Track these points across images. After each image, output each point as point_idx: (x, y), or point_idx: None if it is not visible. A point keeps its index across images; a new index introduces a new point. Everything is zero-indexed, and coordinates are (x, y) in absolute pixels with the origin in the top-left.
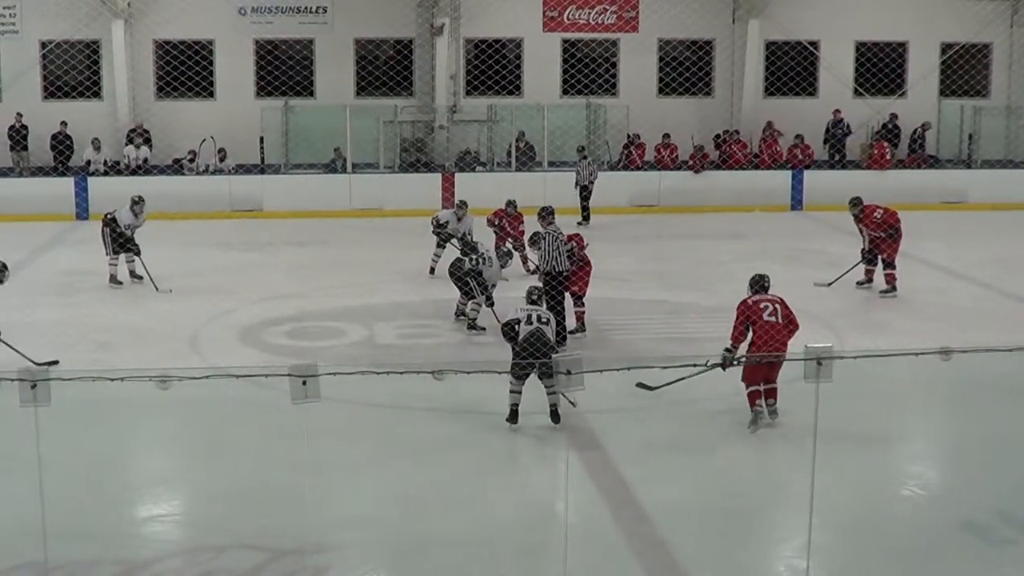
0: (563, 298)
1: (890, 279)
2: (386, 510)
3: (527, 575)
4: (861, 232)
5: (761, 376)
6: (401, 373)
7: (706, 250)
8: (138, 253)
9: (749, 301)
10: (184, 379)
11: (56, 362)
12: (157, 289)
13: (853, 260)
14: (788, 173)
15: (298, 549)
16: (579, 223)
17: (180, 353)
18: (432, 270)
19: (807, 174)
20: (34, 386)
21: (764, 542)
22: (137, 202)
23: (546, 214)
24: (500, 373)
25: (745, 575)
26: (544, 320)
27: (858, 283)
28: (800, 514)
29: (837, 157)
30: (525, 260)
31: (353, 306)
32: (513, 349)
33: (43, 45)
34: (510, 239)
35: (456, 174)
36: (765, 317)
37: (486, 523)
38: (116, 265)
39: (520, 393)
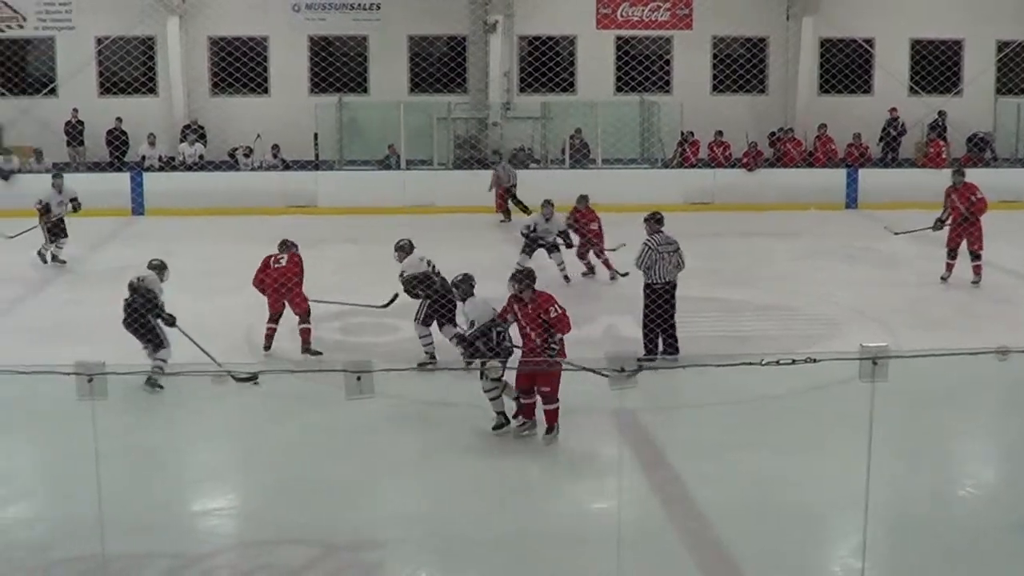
0: (672, 312)
1: (977, 271)
2: (438, 506)
3: (579, 573)
4: (947, 203)
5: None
6: (452, 369)
7: (761, 248)
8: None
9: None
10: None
11: (255, 378)
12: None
13: (909, 258)
14: (843, 171)
15: (351, 544)
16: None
17: (236, 348)
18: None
19: (862, 172)
20: (91, 380)
21: (819, 541)
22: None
23: (653, 220)
24: (550, 369)
25: (800, 575)
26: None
27: (941, 278)
28: (855, 513)
29: (892, 155)
30: (605, 265)
31: (406, 302)
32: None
33: (99, 41)
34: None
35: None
36: None
37: (538, 520)
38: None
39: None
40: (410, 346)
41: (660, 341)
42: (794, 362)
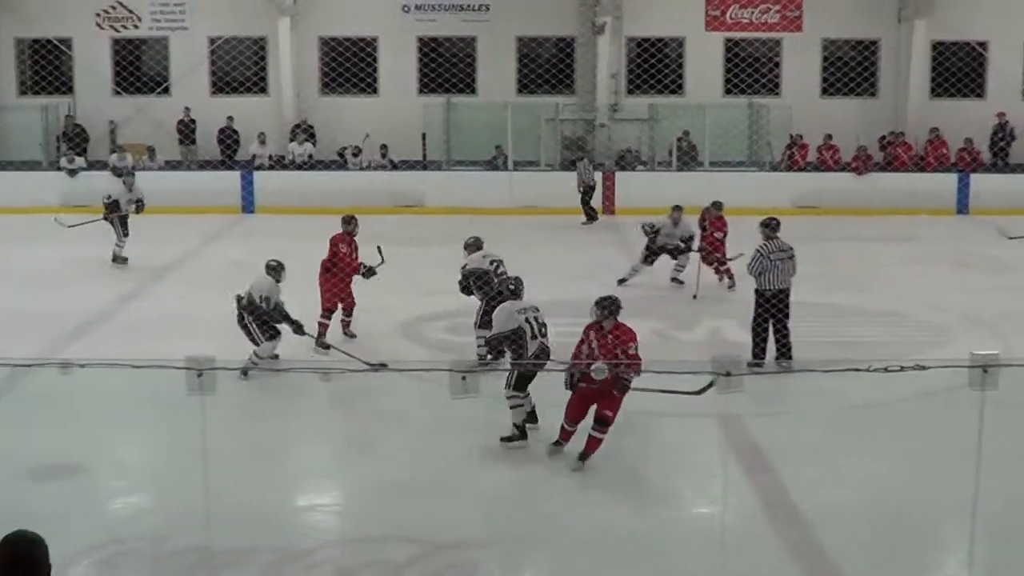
0: (784, 318)
1: None
2: (540, 505)
3: (683, 574)
4: None
5: None
6: (562, 370)
7: (870, 253)
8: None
9: None
10: (346, 371)
11: (385, 365)
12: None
13: (1021, 264)
14: (954, 176)
15: (453, 543)
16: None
17: (343, 346)
18: (624, 280)
19: (973, 177)
20: (200, 374)
21: (925, 550)
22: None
23: (768, 226)
24: (658, 373)
25: None
26: (544, 331)
27: None
28: (962, 523)
29: (1003, 160)
30: (726, 274)
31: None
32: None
33: (211, 41)
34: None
35: (616, 173)
36: None
37: (645, 521)
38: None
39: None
40: None
41: (767, 346)
42: (902, 369)
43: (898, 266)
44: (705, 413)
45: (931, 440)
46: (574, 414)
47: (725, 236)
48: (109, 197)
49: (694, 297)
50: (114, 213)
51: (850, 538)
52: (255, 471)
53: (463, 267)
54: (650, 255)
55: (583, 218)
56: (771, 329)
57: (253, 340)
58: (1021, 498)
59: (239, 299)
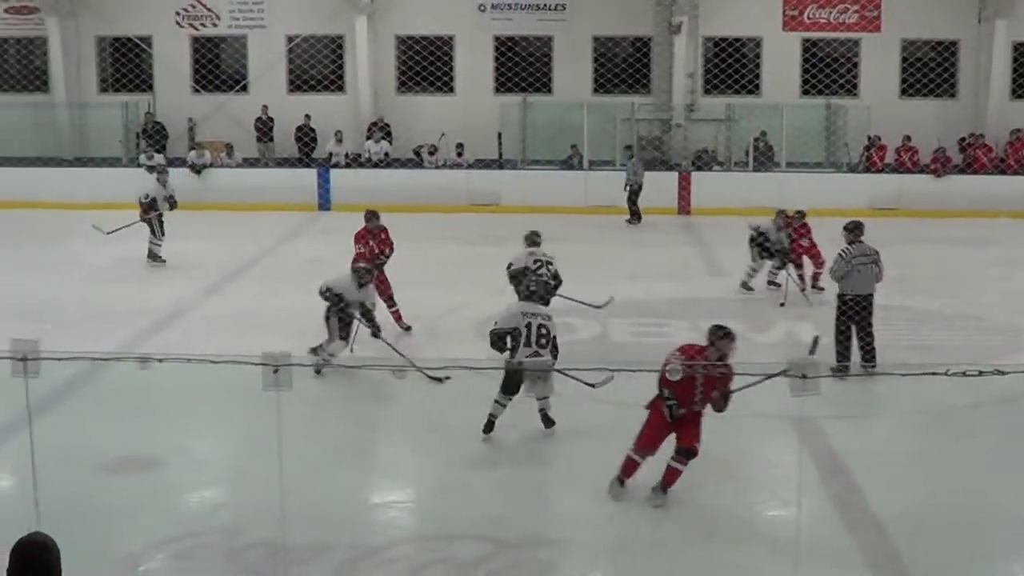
0: (866, 322)
1: None
2: (610, 506)
3: None
4: None
5: None
6: (634, 371)
7: (948, 256)
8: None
9: None
10: (422, 369)
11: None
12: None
13: None
14: None
15: (527, 542)
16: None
17: (418, 344)
18: (745, 284)
19: None
20: (276, 370)
21: (1000, 559)
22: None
23: (851, 230)
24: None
25: None
26: (544, 342)
27: None
28: None
29: None
30: (812, 283)
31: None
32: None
33: (289, 39)
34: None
35: (692, 173)
36: None
37: (714, 525)
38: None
39: (505, 408)
40: (589, 347)
41: (850, 351)
42: (980, 373)
43: (977, 269)
44: (781, 415)
45: (1010, 446)
46: (648, 443)
47: (810, 244)
48: (147, 196)
49: (781, 305)
50: (151, 212)
51: (924, 544)
52: (329, 467)
53: (509, 265)
54: (762, 251)
55: (627, 216)
56: (854, 334)
57: (330, 337)
58: None
59: (321, 291)
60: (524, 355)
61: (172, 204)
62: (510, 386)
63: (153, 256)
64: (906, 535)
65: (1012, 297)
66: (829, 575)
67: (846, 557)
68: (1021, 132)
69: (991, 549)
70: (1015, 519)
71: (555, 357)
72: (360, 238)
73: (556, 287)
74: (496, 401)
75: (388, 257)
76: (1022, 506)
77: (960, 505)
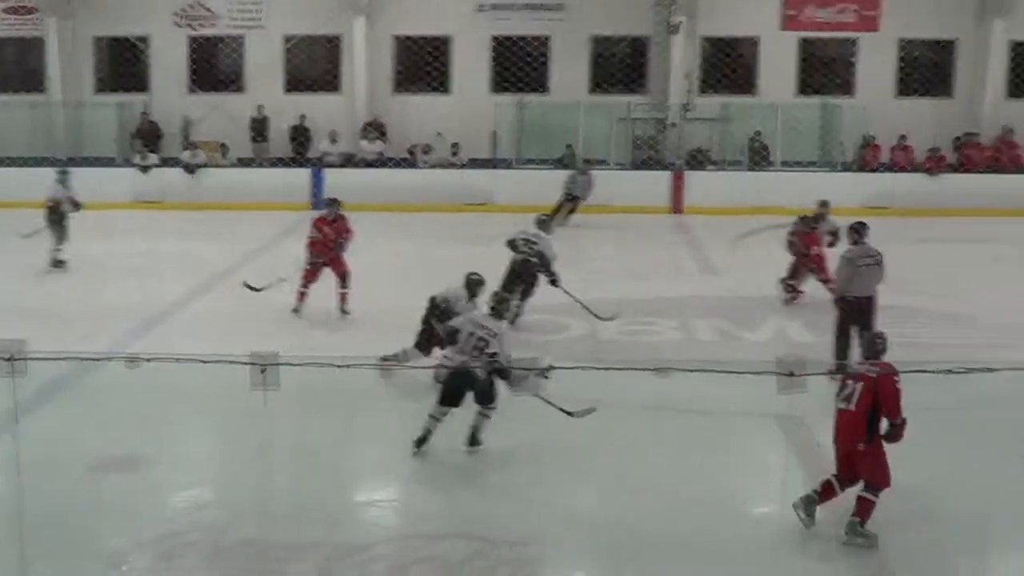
0: (868, 323)
1: None
2: (598, 505)
3: (736, 574)
4: None
5: None
6: (620, 369)
7: (942, 255)
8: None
9: None
10: (407, 367)
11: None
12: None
13: None
14: None
15: (510, 540)
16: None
17: (405, 343)
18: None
19: None
20: (263, 370)
21: (989, 558)
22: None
23: (855, 230)
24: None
25: None
26: (476, 353)
27: None
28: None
29: None
30: (826, 280)
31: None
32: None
33: (286, 40)
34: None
35: (686, 172)
36: None
37: (704, 521)
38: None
39: (440, 422)
40: (579, 346)
41: (848, 353)
42: (968, 371)
43: (970, 268)
44: (766, 413)
45: (999, 444)
46: (845, 472)
47: (820, 253)
48: (53, 200)
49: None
50: (56, 215)
51: (908, 540)
52: (315, 466)
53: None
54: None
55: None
56: (855, 335)
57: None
58: None
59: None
60: (455, 362)
61: (76, 207)
62: (444, 397)
63: (55, 262)
64: (889, 530)
65: (1004, 295)
66: (811, 570)
67: (829, 552)
68: (1014, 131)
69: (979, 547)
70: (1004, 517)
71: (502, 375)
72: (316, 225)
73: (542, 268)
74: (431, 415)
75: (347, 242)
76: (1011, 504)
77: (948, 503)
